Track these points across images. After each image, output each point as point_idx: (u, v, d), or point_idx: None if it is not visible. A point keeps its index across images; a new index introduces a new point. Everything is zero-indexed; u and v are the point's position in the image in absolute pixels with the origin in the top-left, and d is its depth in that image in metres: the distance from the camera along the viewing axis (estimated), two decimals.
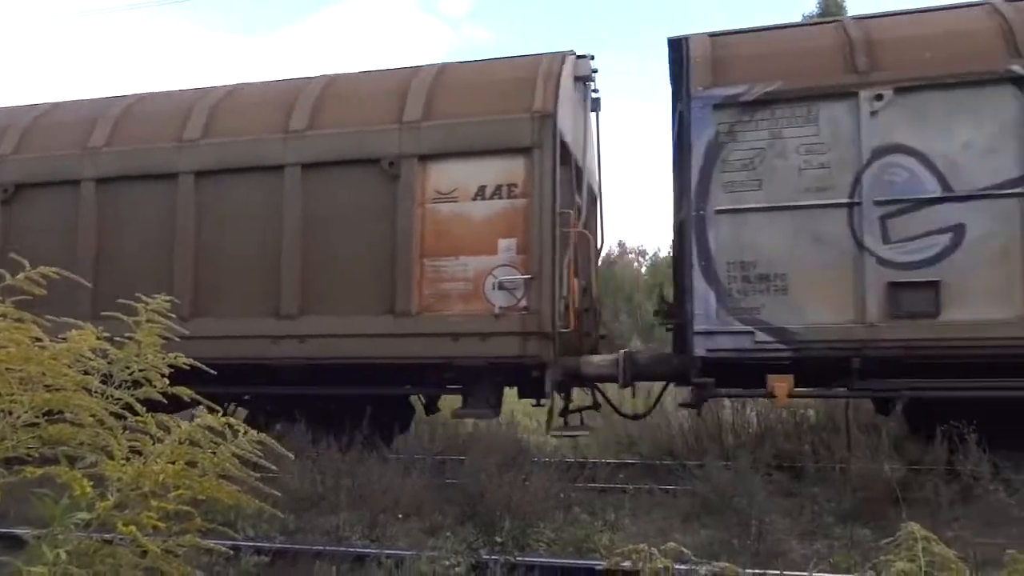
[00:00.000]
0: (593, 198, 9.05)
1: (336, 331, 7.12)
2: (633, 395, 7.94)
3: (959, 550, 2.10)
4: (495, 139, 7.00)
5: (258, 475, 2.38)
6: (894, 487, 5.49)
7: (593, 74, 8.53)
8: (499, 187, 7.00)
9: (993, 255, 5.97)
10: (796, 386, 6.36)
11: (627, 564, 2.12)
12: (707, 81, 6.69)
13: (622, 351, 7.22)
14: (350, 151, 7.30)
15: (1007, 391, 5.97)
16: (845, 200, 6.26)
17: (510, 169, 6.98)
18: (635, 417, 7.91)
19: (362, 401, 7.19)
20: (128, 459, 2.22)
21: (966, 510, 5.43)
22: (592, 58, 8.38)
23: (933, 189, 6.12)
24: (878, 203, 6.19)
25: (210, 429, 2.31)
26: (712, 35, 7.27)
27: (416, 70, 7.79)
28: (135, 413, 2.38)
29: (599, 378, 7.31)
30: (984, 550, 4.46)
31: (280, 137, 7.48)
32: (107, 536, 2.17)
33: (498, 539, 5.20)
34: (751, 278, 6.40)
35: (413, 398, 8.12)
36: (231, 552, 2.85)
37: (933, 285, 6.05)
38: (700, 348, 6.44)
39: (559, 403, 8.05)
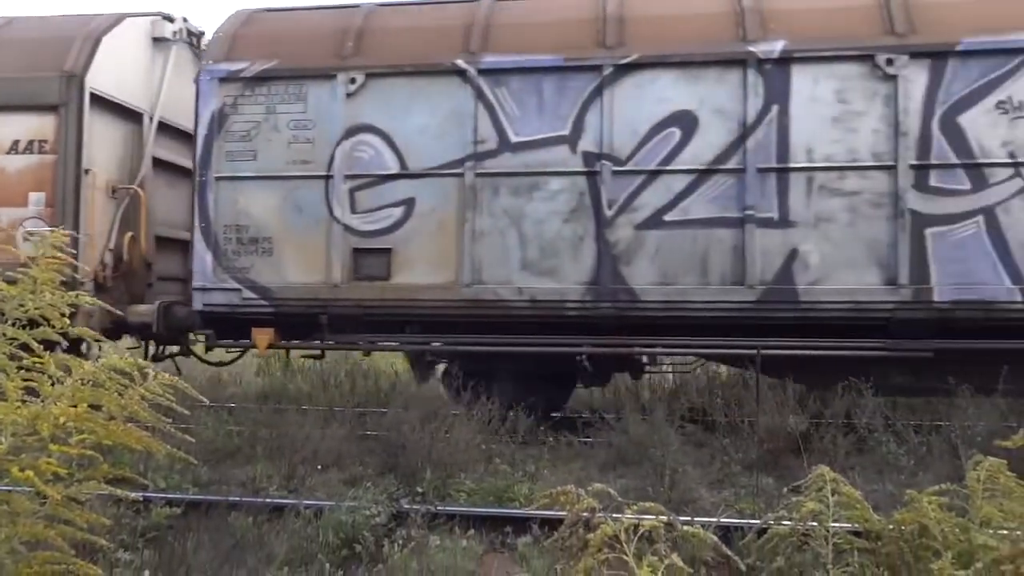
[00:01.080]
0: None
1: None
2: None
3: None
4: (27, 96, 7.32)
5: (169, 421, 2.29)
6: (797, 439, 5.86)
7: (194, 36, 8.89)
8: (31, 142, 7.35)
9: (435, 227, 6.79)
10: (284, 339, 7.14)
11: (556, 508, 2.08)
12: (220, 55, 7.18)
13: (158, 302, 7.76)
14: None
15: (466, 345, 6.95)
16: (323, 173, 6.92)
17: (41, 125, 7.33)
18: (219, 364, 8.55)
19: None
20: (24, 401, 2.09)
21: (860, 459, 5.77)
22: (185, 20, 8.74)
23: (393, 166, 6.86)
24: (348, 177, 6.89)
25: (116, 370, 2.17)
26: (267, 10, 7.76)
27: None
28: (31, 353, 2.25)
29: (142, 327, 7.84)
30: (874, 496, 4.71)
31: None
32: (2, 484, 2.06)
33: (419, 489, 5.29)
34: (244, 240, 7.03)
35: None
36: (140, 498, 2.67)
37: (387, 252, 6.84)
38: (198, 303, 7.07)
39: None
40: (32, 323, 2.41)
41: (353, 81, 6.88)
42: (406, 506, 4.74)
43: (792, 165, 6.33)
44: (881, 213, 6.22)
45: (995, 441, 2.52)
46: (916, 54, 6.21)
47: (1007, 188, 6.09)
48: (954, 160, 6.15)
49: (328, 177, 6.91)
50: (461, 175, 6.73)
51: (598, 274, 6.54)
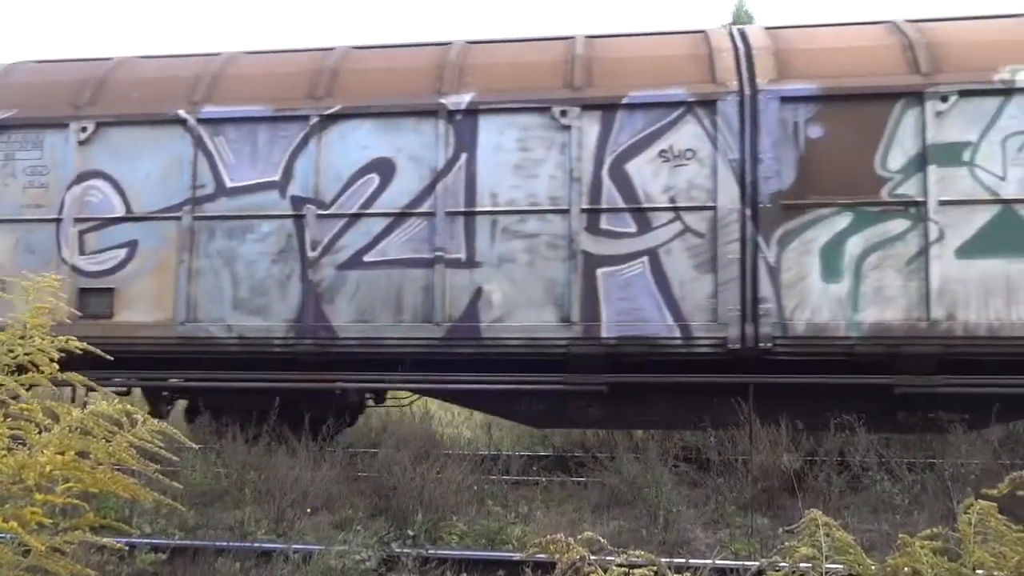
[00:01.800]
0: None
1: None
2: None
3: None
4: None
5: (156, 467, 2.26)
6: (791, 478, 5.84)
7: None
8: None
9: (155, 268, 7.09)
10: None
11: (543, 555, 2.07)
12: None
13: None
14: None
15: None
16: (54, 216, 7.24)
17: None
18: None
19: None
20: (10, 449, 2.07)
21: (855, 498, 5.80)
22: None
23: (119, 210, 7.18)
24: (77, 220, 7.21)
25: (104, 417, 2.15)
26: (26, 63, 8.17)
27: None
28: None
29: None
30: (870, 536, 4.89)
31: None
32: None
33: (410, 532, 5.21)
34: None
35: None
36: (125, 548, 2.60)
37: (111, 291, 7.13)
38: None
39: None
40: (20, 368, 2.40)
41: (84, 129, 7.24)
42: (397, 550, 4.72)
43: (478, 209, 6.70)
44: (557, 254, 6.58)
45: (983, 489, 2.51)
46: (588, 106, 6.64)
47: (668, 231, 6.47)
48: (621, 204, 6.54)
49: (58, 220, 7.22)
50: (179, 218, 7.06)
51: (302, 312, 6.83)
